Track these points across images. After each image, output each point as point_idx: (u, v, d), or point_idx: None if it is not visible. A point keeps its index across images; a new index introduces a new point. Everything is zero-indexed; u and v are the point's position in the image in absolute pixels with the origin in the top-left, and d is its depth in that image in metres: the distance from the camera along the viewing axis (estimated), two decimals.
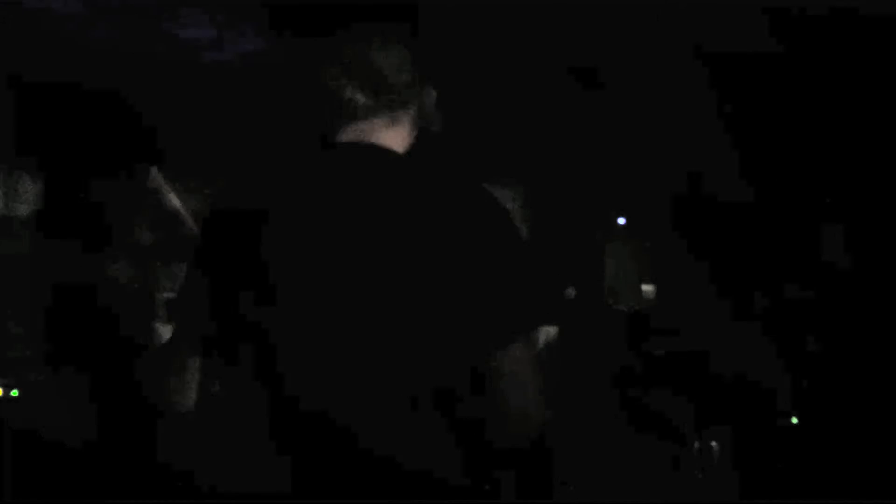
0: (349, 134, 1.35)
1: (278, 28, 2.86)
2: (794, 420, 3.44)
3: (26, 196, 3.77)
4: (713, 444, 3.59)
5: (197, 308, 1.39)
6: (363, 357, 1.25)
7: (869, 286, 3.05)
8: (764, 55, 3.03)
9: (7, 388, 3.27)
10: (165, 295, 3.89)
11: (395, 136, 1.37)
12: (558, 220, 4.64)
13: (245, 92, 3.24)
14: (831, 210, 3.28)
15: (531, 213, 4.78)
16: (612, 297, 4.66)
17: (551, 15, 2.95)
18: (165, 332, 3.41)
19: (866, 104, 3.14)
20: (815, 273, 3.28)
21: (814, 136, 3.32)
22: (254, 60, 3.13)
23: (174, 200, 3.23)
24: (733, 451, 3.28)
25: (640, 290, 4.69)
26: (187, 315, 1.44)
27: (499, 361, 1.25)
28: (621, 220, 4.82)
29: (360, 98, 1.33)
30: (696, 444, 3.64)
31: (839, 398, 3.05)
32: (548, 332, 4.52)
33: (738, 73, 3.14)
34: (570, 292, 4.63)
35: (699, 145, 3.57)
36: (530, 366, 1.27)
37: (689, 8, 2.77)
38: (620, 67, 3.31)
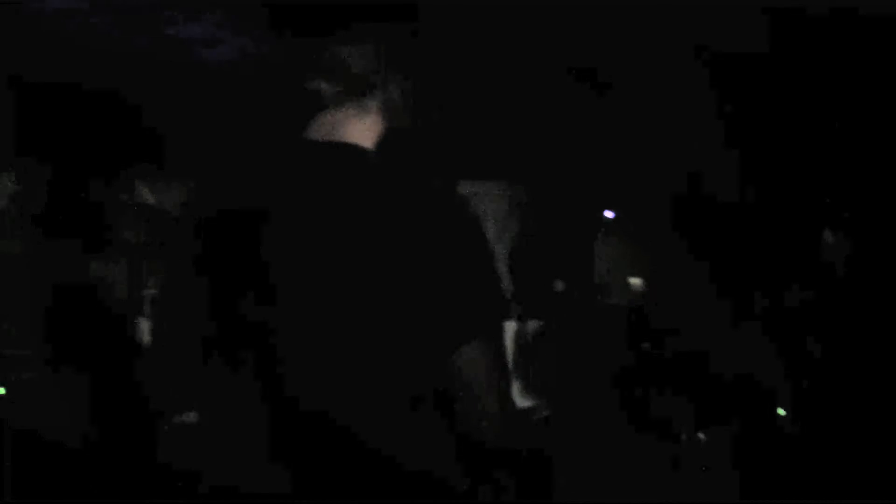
0: (320, 127, 1.36)
1: (270, 27, 2.82)
2: (782, 412, 3.48)
3: (4, 191, 3.71)
4: (700, 435, 3.63)
5: (180, 307, 1.40)
6: (331, 356, 1.26)
7: (869, 287, 3.07)
8: (762, 54, 3.03)
9: None
10: (150, 291, 3.87)
11: (365, 128, 1.37)
12: (549, 215, 4.64)
13: (241, 90, 3.20)
14: (831, 210, 3.29)
15: (520, 207, 4.78)
16: (601, 292, 4.68)
17: (547, 12, 2.94)
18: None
19: (867, 105, 3.16)
20: (815, 273, 3.30)
21: (813, 136, 3.34)
22: (251, 59, 3.10)
23: (156, 202, 3.20)
24: (733, 452, 3.31)
25: (628, 284, 4.72)
26: (170, 315, 1.44)
27: (455, 361, 1.26)
28: (609, 214, 4.84)
29: (327, 87, 1.34)
30: (684, 437, 3.67)
31: (838, 398, 3.07)
32: (534, 326, 4.54)
33: (735, 72, 3.15)
34: (559, 285, 4.65)
35: (694, 142, 3.58)
36: (486, 367, 1.29)
37: (684, 4, 2.77)
38: (614, 63, 3.30)
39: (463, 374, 1.27)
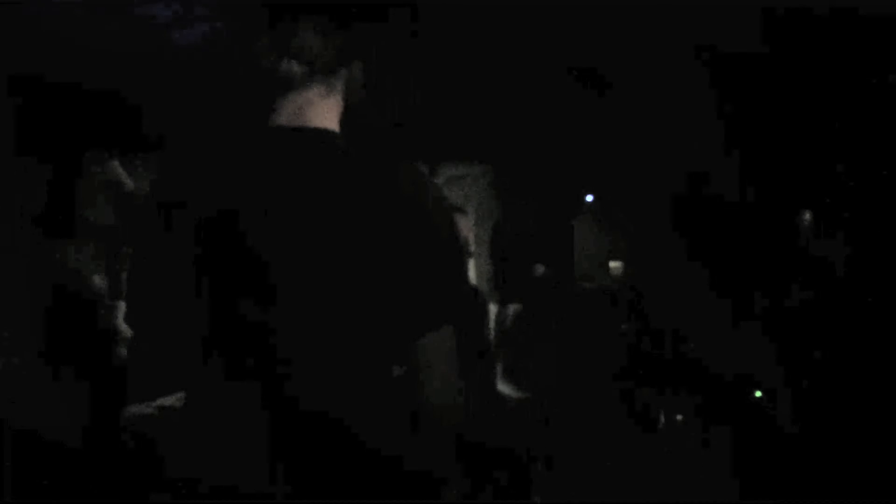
0: (288, 109, 1.36)
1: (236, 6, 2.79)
2: (758, 394, 3.49)
3: None
4: (678, 417, 3.64)
5: (147, 296, 1.39)
6: (297, 342, 1.26)
7: (867, 286, 3.06)
8: (762, 55, 3.02)
9: None
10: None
11: (331, 108, 1.38)
12: (531, 199, 4.64)
13: (214, 71, 3.17)
14: (831, 210, 3.29)
15: (501, 191, 4.78)
16: (582, 276, 4.69)
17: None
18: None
19: (868, 105, 3.14)
20: (814, 273, 3.30)
21: (811, 135, 3.32)
22: (223, 39, 3.07)
23: (132, 187, 3.16)
24: (710, 435, 3.31)
25: (608, 268, 4.73)
26: (138, 303, 1.43)
27: (419, 348, 1.28)
28: (589, 198, 4.83)
29: (296, 68, 1.35)
30: (662, 419, 3.68)
31: (837, 397, 3.07)
32: (515, 309, 4.54)
33: (731, 67, 3.13)
34: (539, 269, 4.65)
35: (688, 135, 3.57)
36: (446, 357, 1.29)
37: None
38: (605, 54, 3.28)
39: (426, 360, 1.28)
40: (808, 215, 3.27)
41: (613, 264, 4.77)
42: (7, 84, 3.24)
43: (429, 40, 3.18)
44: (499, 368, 4.45)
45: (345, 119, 1.42)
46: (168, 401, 2.83)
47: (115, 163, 3.41)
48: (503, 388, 4.21)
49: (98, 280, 3.56)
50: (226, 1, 2.82)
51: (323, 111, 1.37)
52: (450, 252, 1.31)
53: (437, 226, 1.30)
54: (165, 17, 2.93)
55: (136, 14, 2.92)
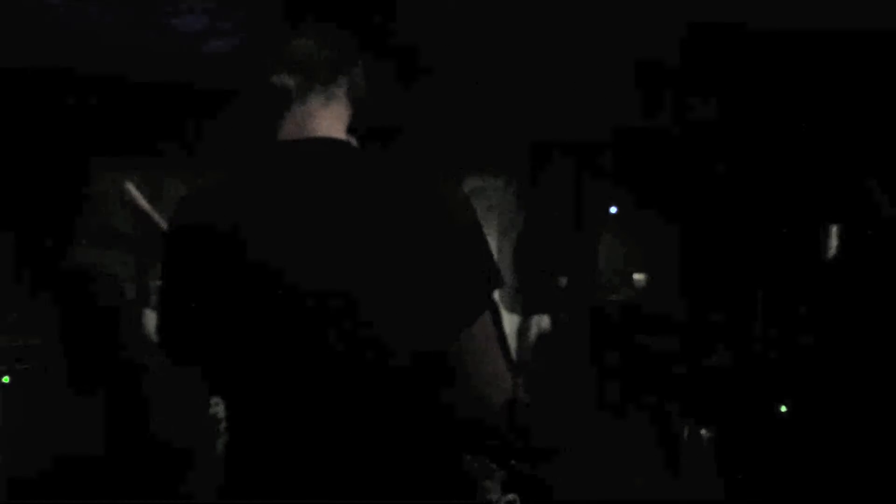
0: (289, 122, 1.37)
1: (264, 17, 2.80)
2: (784, 409, 3.46)
3: None
4: (703, 431, 3.61)
5: (182, 325, 1.40)
6: (345, 356, 1.26)
7: (868, 284, 3.04)
8: (764, 48, 3.01)
9: None
10: (157, 283, 3.85)
11: (332, 117, 1.38)
12: (550, 209, 4.63)
13: (236, 83, 3.19)
14: (830, 208, 3.27)
15: (523, 201, 4.77)
16: (604, 287, 4.67)
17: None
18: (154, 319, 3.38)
19: (869, 102, 3.12)
20: (814, 270, 3.28)
21: (814, 132, 3.31)
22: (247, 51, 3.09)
23: (149, 209, 3.21)
24: (731, 449, 3.29)
25: (632, 280, 4.70)
26: (174, 332, 1.44)
27: (464, 339, 1.28)
28: (613, 209, 4.82)
29: (291, 80, 1.35)
30: (686, 433, 3.65)
31: (837, 396, 3.05)
32: (540, 322, 4.53)
33: (739, 64, 3.13)
34: (562, 281, 4.63)
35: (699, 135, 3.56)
36: (492, 340, 1.31)
37: None
38: (612, 52, 3.28)
39: (474, 348, 1.29)
40: (826, 226, 3.26)
41: (637, 276, 4.74)
42: (26, 85, 3.28)
43: (446, 47, 3.19)
44: (521, 378, 4.43)
45: (352, 126, 1.42)
46: (196, 409, 2.86)
47: (130, 185, 3.46)
48: (523, 396, 4.19)
49: (127, 287, 3.59)
50: (253, 12, 2.84)
51: (324, 121, 1.38)
52: (477, 239, 1.31)
53: (460, 216, 1.30)
54: (194, 25, 2.96)
55: (163, 23, 2.96)
